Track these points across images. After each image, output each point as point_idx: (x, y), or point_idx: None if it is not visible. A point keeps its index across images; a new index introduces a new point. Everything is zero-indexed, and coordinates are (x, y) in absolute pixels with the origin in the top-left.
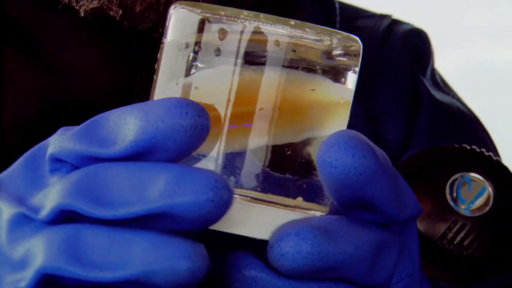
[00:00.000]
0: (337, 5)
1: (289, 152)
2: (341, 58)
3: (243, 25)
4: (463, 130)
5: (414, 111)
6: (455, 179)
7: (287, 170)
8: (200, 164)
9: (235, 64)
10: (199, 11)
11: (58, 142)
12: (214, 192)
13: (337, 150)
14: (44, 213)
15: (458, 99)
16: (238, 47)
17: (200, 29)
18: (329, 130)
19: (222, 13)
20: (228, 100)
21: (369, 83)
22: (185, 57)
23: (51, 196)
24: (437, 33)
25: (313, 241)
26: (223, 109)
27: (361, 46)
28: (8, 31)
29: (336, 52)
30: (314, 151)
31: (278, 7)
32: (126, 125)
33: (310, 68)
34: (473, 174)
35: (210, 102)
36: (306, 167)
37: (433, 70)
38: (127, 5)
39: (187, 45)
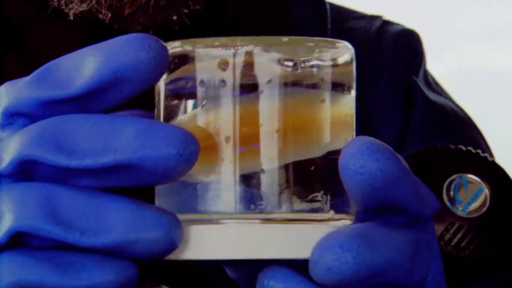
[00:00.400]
0: (328, 7)
1: (312, 168)
2: (338, 68)
3: (238, 52)
4: (458, 131)
5: (408, 112)
6: (452, 181)
7: (314, 186)
8: (219, 192)
9: (235, 93)
10: (190, 47)
11: (11, 94)
12: (183, 146)
13: (361, 157)
14: (3, 165)
15: (451, 100)
16: (234, 75)
17: (198, 63)
18: (344, 139)
19: (217, 43)
20: (234, 126)
21: (362, 84)
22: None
23: (9, 148)
24: (429, 36)
25: (358, 251)
26: (231, 136)
27: (353, 51)
28: (5, 33)
29: (331, 62)
30: (335, 163)
31: (269, 10)
32: (85, 64)
33: (313, 83)
34: (469, 176)
35: (217, 130)
36: (331, 180)
37: (426, 71)
38: (116, 8)
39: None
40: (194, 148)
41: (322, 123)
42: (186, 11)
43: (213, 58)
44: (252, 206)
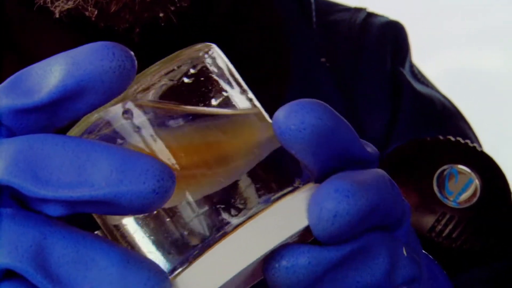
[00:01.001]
0: (312, 0)
1: (263, 167)
2: (207, 74)
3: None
4: (446, 121)
5: (395, 103)
6: (442, 172)
7: (272, 179)
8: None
9: (152, 131)
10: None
11: None
12: (159, 184)
13: (296, 114)
14: None
15: (438, 91)
16: (147, 117)
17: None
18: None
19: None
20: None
21: (348, 75)
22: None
23: None
24: (421, 38)
25: (353, 189)
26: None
27: (211, 49)
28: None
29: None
30: (275, 148)
31: (254, 6)
32: (52, 72)
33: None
34: (459, 166)
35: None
36: (283, 163)
37: (411, 62)
38: (102, 5)
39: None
40: (170, 184)
41: (239, 128)
42: (172, 8)
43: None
44: (225, 219)
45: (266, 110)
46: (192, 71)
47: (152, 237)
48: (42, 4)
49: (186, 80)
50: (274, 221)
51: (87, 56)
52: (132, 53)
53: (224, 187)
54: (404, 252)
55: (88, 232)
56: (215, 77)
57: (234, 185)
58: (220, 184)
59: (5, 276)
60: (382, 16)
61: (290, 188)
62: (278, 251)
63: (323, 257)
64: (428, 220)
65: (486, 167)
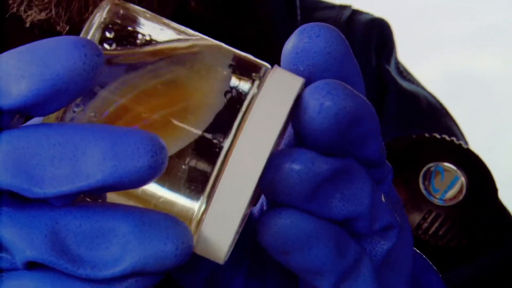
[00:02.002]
0: None
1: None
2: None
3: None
4: (431, 118)
5: (381, 100)
6: (428, 169)
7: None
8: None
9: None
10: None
11: None
12: (154, 159)
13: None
14: None
15: (423, 88)
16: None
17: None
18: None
19: None
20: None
21: None
22: None
23: None
24: (417, 41)
25: (343, 87)
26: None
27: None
28: None
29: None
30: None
31: (239, 2)
32: (21, 73)
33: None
34: (445, 164)
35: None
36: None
37: (397, 59)
38: (75, 23)
39: None
40: (164, 155)
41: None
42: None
43: None
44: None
45: None
46: (108, 35)
47: (161, 190)
48: (15, 12)
49: (107, 46)
50: (266, 109)
51: (58, 59)
52: (99, 46)
53: (203, 112)
54: (383, 199)
55: (97, 203)
56: (134, 28)
57: (208, 108)
58: (198, 112)
59: (29, 267)
60: (367, 14)
61: (257, 82)
62: (289, 152)
63: (323, 162)
64: (414, 218)
65: (472, 164)
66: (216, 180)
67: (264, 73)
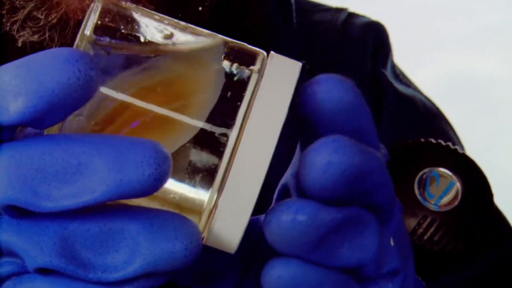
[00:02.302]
0: (292, 0)
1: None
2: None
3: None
4: (427, 123)
5: (377, 104)
6: (423, 175)
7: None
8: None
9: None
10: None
11: None
12: (158, 170)
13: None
14: None
15: (420, 92)
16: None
17: None
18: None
19: None
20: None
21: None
22: None
23: None
24: (415, 42)
25: (351, 144)
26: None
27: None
28: None
29: None
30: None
31: (234, 4)
32: (11, 87)
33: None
34: (441, 169)
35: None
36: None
37: (393, 62)
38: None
39: None
40: (168, 165)
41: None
42: None
43: None
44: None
45: None
46: (102, 34)
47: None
48: (8, 30)
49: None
50: (270, 96)
51: (52, 75)
52: (93, 57)
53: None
54: (392, 242)
55: (104, 206)
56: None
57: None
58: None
59: (41, 272)
60: (363, 17)
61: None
62: (285, 205)
63: (326, 214)
64: (410, 223)
65: (468, 169)
66: (226, 172)
67: (262, 61)
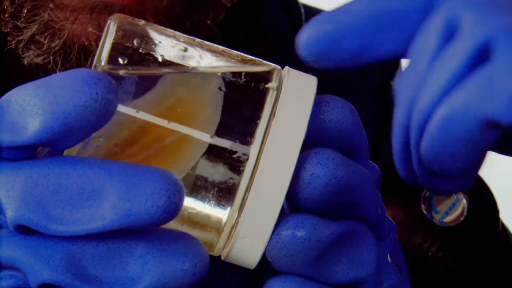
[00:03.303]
0: (302, 9)
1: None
2: None
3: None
4: None
5: (383, 117)
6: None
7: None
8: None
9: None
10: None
11: None
12: (167, 203)
13: (335, 109)
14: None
15: None
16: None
17: None
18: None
19: None
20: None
21: (336, 86)
22: None
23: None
24: None
25: (334, 156)
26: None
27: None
28: None
29: None
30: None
31: (241, 12)
32: (30, 107)
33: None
34: None
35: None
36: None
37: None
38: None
39: None
40: (179, 197)
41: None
42: None
43: None
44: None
45: None
46: (120, 55)
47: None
48: (13, 48)
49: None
50: (289, 114)
51: (70, 98)
52: (113, 81)
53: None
54: (389, 259)
55: None
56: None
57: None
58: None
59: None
60: None
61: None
62: (283, 220)
63: (325, 227)
64: (415, 239)
65: (474, 186)
66: (247, 190)
67: (279, 76)
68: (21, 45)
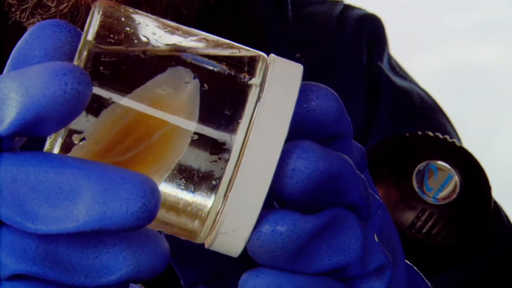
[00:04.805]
0: None
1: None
2: None
3: None
4: (424, 116)
5: (373, 97)
6: (421, 168)
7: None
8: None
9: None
10: None
11: None
12: (142, 210)
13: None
14: None
15: (416, 84)
16: None
17: None
18: None
19: None
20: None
21: (324, 69)
22: None
23: None
24: (419, 33)
25: (314, 148)
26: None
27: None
28: None
29: None
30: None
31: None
32: (8, 100)
33: None
34: (439, 162)
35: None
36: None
37: (389, 55)
38: None
39: None
40: (154, 205)
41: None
42: None
43: None
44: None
45: None
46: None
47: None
48: (17, 18)
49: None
50: (274, 101)
51: (40, 89)
52: (86, 74)
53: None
54: (376, 239)
55: None
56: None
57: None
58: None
59: (13, 279)
60: (359, 9)
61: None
62: (263, 217)
63: (305, 222)
64: (408, 217)
65: (466, 162)
66: (232, 178)
67: (263, 64)
68: (26, 13)
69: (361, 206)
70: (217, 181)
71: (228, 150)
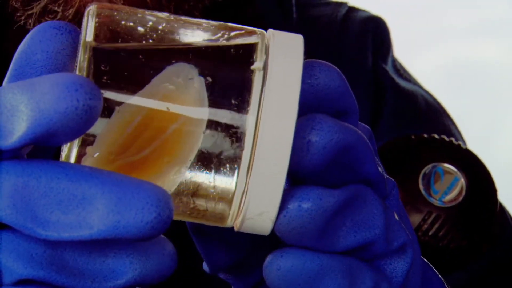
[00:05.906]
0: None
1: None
2: None
3: None
4: (429, 118)
5: (377, 99)
6: (428, 170)
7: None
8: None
9: None
10: None
11: None
12: (157, 220)
13: (318, 71)
14: None
15: (420, 86)
16: None
17: None
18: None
19: None
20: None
21: None
22: None
23: None
24: (419, 32)
25: (327, 120)
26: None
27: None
28: None
29: None
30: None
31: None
32: (17, 113)
33: None
34: (445, 165)
35: None
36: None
37: (393, 57)
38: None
39: None
40: (168, 214)
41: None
42: None
43: None
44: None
45: None
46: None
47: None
48: (22, 24)
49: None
50: (280, 78)
51: (51, 104)
52: (97, 89)
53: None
54: (396, 217)
55: None
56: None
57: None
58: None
59: (20, 283)
60: (363, 11)
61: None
62: (288, 194)
63: (330, 196)
64: (414, 219)
65: (472, 165)
66: (251, 157)
67: (264, 41)
68: (32, 19)
69: (378, 181)
70: (237, 165)
71: (242, 134)
